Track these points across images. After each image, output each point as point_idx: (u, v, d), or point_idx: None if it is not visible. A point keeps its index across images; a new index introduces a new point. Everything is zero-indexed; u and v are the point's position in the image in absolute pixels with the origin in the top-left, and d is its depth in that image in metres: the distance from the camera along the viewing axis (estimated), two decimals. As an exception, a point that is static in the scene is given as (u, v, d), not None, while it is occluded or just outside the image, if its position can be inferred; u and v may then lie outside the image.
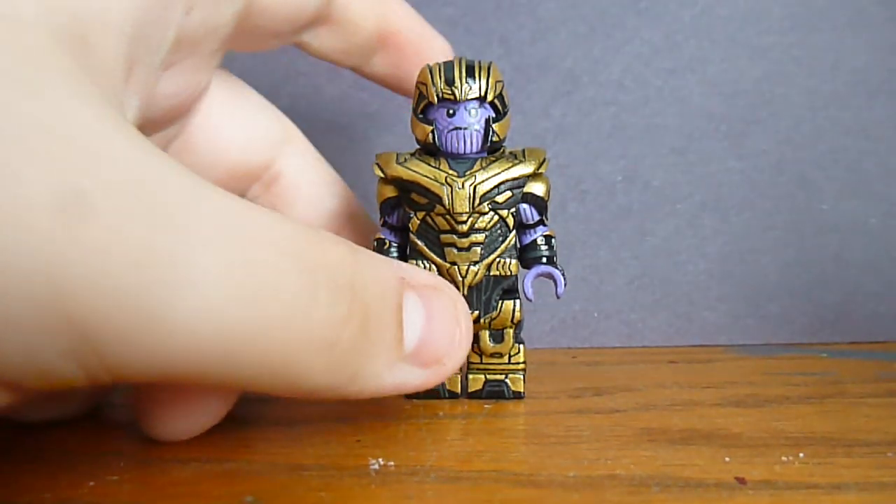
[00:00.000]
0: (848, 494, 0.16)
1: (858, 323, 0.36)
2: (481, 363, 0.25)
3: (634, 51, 0.36)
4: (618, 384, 0.27)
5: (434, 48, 0.27)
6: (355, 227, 0.28)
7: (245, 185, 0.26)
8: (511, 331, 0.25)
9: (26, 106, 0.13)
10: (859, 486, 0.16)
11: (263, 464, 0.19)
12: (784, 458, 0.18)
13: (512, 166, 0.24)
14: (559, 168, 0.36)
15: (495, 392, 0.25)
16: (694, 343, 0.36)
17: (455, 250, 0.24)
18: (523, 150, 0.25)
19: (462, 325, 0.21)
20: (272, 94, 0.35)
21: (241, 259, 0.15)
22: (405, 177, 0.24)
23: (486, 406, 0.24)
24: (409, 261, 0.24)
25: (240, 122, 0.26)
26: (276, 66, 0.35)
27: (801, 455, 0.18)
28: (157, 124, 0.23)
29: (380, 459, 0.19)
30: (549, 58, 0.36)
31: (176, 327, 0.14)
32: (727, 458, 0.18)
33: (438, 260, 0.24)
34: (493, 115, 0.24)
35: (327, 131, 0.36)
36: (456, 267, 0.24)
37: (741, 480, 0.17)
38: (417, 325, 0.20)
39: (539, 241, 0.25)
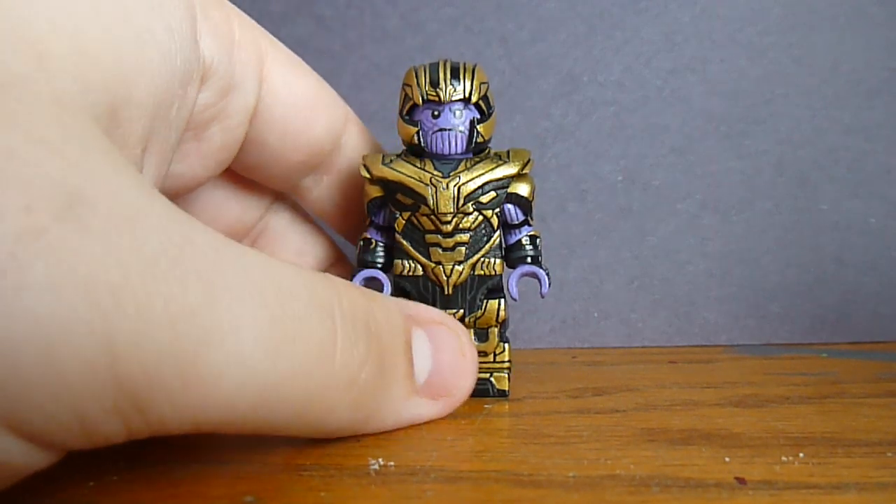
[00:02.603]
0: (848, 494, 0.16)
1: (858, 323, 0.36)
2: None
3: (634, 51, 0.36)
4: (618, 384, 0.27)
5: None
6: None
7: (254, 234, 0.28)
8: (496, 330, 0.25)
9: (74, 182, 0.14)
10: (859, 486, 0.16)
11: (263, 464, 0.19)
12: (784, 458, 0.18)
13: (496, 167, 0.24)
14: (559, 168, 0.36)
15: (480, 391, 0.25)
16: (694, 343, 0.36)
17: (440, 250, 0.24)
18: (508, 151, 0.25)
19: (467, 356, 0.22)
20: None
21: (268, 312, 0.16)
22: (390, 177, 0.24)
23: (486, 406, 0.24)
24: (395, 260, 0.25)
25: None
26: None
27: (801, 455, 0.18)
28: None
29: (380, 459, 0.19)
30: (549, 58, 0.36)
31: (210, 381, 0.15)
32: (727, 458, 0.18)
33: (423, 259, 0.24)
34: (478, 117, 0.25)
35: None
36: (441, 266, 0.24)
37: (741, 480, 0.17)
38: (426, 359, 0.21)
39: (524, 241, 0.25)
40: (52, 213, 0.13)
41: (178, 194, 0.24)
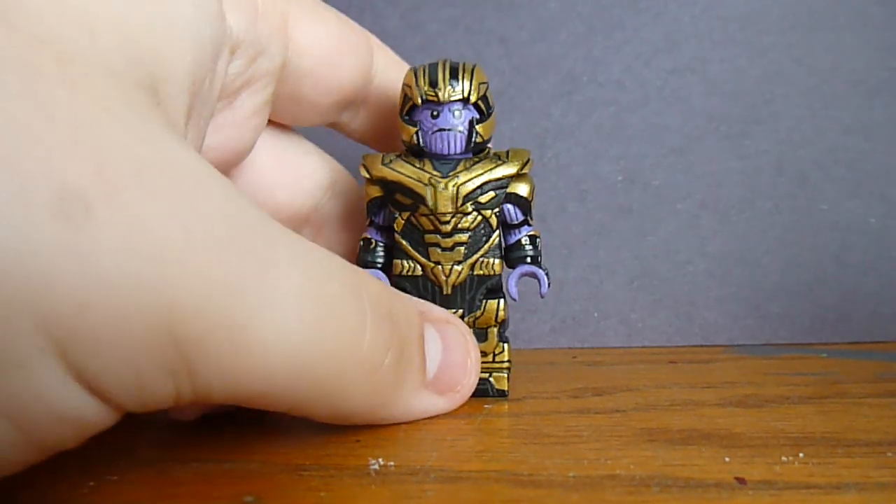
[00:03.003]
0: (848, 494, 0.16)
1: (858, 323, 0.36)
2: None
3: (634, 51, 0.36)
4: (618, 384, 0.27)
5: None
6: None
7: (293, 228, 0.27)
8: (495, 330, 0.25)
9: (140, 150, 0.15)
10: (859, 486, 0.16)
11: (263, 464, 0.19)
12: (784, 458, 0.18)
13: (495, 167, 0.24)
14: (559, 168, 0.36)
15: (479, 390, 0.25)
16: (694, 343, 0.36)
17: (439, 250, 0.24)
18: (507, 151, 0.25)
19: (472, 355, 0.23)
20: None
21: (312, 287, 0.17)
22: (390, 177, 0.24)
23: (486, 406, 0.24)
24: (395, 260, 0.25)
25: (287, 167, 0.27)
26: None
27: (801, 455, 0.18)
28: None
29: (380, 459, 0.19)
30: (549, 58, 0.36)
31: (256, 350, 0.16)
32: (727, 458, 0.18)
33: (423, 259, 0.25)
34: (477, 117, 0.25)
35: (327, 131, 0.36)
36: (440, 266, 0.24)
37: (741, 480, 0.17)
38: (436, 355, 0.22)
39: (524, 241, 0.25)
40: (122, 176, 0.14)
41: (225, 171, 0.24)
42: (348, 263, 0.19)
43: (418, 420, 0.23)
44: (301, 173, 0.27)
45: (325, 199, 0.28)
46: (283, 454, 0.19)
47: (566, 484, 0.17)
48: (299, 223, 0.28)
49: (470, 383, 0.23)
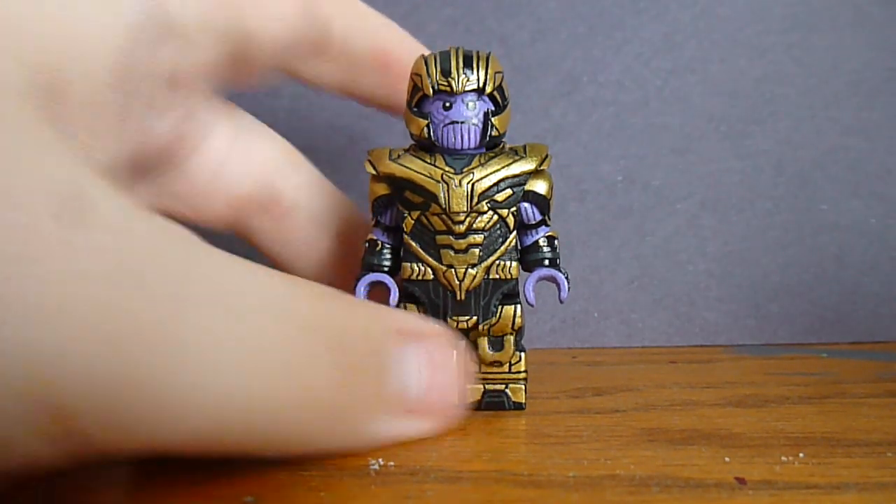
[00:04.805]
0: (848, 494, 0.16)
1: (858, 323, 0.36)
2: (479, 372, 0.23)
3: (634, 51, 0.36)
4: (618, 384, 0.27)
5: None
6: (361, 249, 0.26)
7: (248, 215, 0.26)
8: (511, 338, 0.23)
9: (4, 182, 0.13)
10: (859, 486, 0.16)
11: (263, 464, 0.19)
12: (784, 458, 0.18)
13: (512, 163, 0.23)
14: (559, 168, 0.36)
15: (495, 403, 0.23)
16: (694, 343, 0.36)
17: (452, 252, 0.23)
18: (524, 146, 0.24)
19: (464, 373, 0.21)
20: (273, 94, 0.35)
21: (236, 327, 0.15)
22: (398, 174, 0.23)
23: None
24: (403, 263, 0.23)
25: (241, 152, 0.25)
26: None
27: (801, 455, 0.18)
28: (155, 163, 0.22)
29: (380, 459, 0.19)
30: (549, 58, 0.36)
31: (167, 404, 0.14)
32: (727, 458, 0.18)
33: (434, 262, 0.23)
34: (493, 109, 0.23)
35: (327, 131, 0.36)
36: (453, 270, 0.23)
37: (741, 480, 0.17)
38: (418, 377, 0.20)
39: (541, 243, 0.24)
40: None
41: (170, 157, 0.23)
42: (297, 285, 0.17)
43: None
44: (255, 157, 0.25)
45: (288, 189, 0.26)
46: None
47: (566, 484, 0.17)
48: (253, 211, 0.25)
49: (461, 404, 0.21)
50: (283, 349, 0.16)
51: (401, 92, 0.25)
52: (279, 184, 0.26)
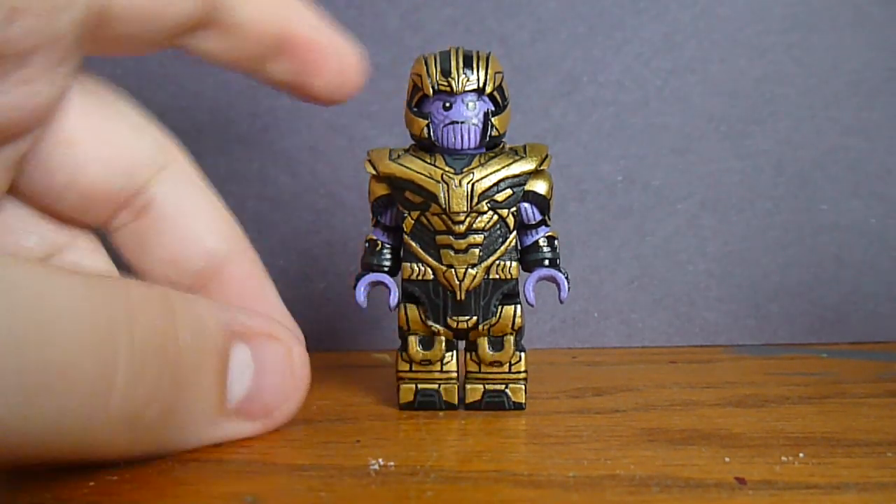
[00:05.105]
0: (848, 494, 0.16)
1: (858, 323, 0.36)
2: (479, 372, 0.24)
3: (634, 51, 0.36)
4: (618, 384, 0.27)
5: (342, 57, 0.24)
6: (240, 267, 0.24)
7: (108, 210, 0.23)
8: (511, 338, 0.23)
9: None
10: (859, 486, 0.16)
11: (263, 464, 0.19)
12: (784, 458, 0.18)
13: (512, 163, 0.23)
14: (559, 168, 0.36)
15: (495, 403, 0.24)
16: (694, 343, 0.36)
17: (452, 252, 0.23)
18: (524, 146, 0.24)
19: (296, 374, 0.21)
20: (272, 94, 0.35)
21: (24, 339, 0.14)
22: (398, 174, 0.23)
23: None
24: (403, 263, 0.23)
25: (103, 140, 0.23)
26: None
27: (801, 455, 0.18)
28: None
29: (380, 459, 0.19)
30: (549, 58, 0.36)
31: None
32: (727, 458, 0.18)
33: (434, 263, 0.23)
34: (493, 109, 0.23)
35: (327, 131, 0.36)
36: (453, 270, 0.23)
37: (741, 480, 0.17)
38: (245, 378, 0.20)
39: (541, 243, 0.24)
40: None
41: (17, 132, 0.20)
42: (108, 295, 0.16)
43: (418, 419, 0.23)
44: (121, 148, 0.23)
45: (152, 185, 0.23)
46: (283, 454, 0.19)
47: (566, 484, 0.17)
48: (117, 207, 0.23)
49: (290, 407, 0.21)
50: (79, 367, 0.15)
51: (306, 77, 0.23)
52: (152, 188, 0.23)
